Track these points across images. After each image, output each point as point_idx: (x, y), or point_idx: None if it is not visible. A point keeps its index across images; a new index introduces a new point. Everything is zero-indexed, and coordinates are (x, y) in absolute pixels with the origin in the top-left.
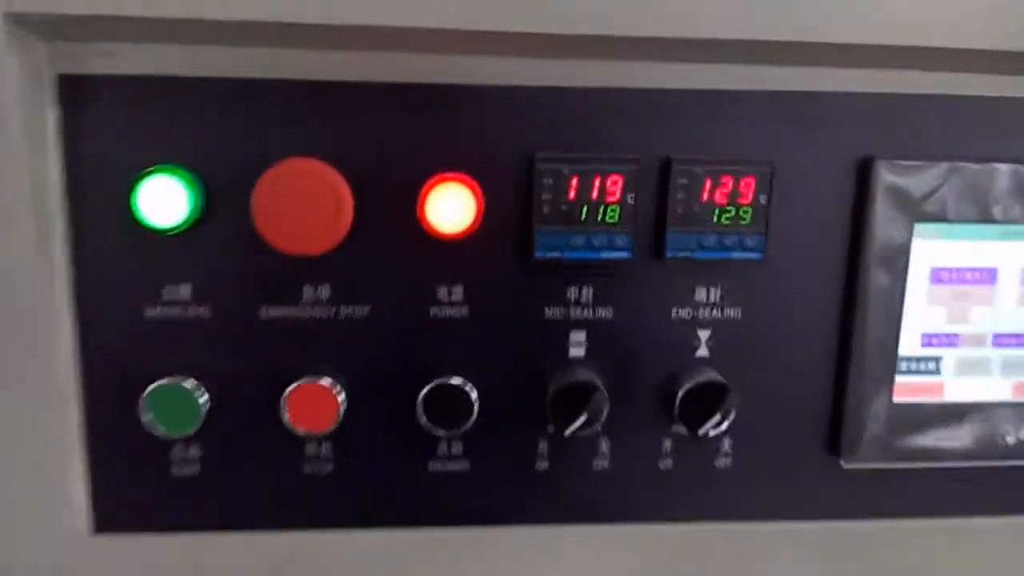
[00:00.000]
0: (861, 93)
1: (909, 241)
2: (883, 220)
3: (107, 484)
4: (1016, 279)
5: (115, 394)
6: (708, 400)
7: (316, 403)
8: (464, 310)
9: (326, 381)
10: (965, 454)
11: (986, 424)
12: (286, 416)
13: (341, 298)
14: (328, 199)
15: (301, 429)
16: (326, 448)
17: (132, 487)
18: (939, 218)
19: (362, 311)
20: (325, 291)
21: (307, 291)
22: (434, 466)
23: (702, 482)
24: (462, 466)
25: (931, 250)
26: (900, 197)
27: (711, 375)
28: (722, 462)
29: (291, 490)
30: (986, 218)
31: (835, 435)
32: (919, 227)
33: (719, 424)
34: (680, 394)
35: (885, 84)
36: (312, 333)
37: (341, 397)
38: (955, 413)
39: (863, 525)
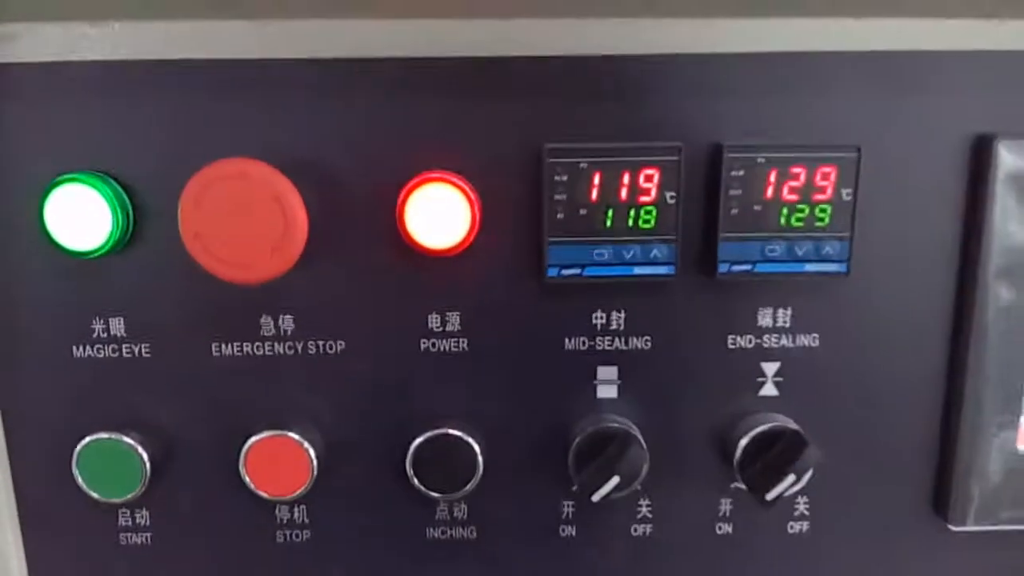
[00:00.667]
0: (975, 52)
1: None
2: (1006, 217)
3: (45, 555)
4: None
5: (45, 450)
6: (776, 450)
7: (282, 461)
8: (462, 343)
9: (294, 434)
10: None
11: None
12: (247, 478)
13: (308, 331)
14: (272, 211)
15: (264, 492)
16: (300, 513)
17: (74, 558)
18: None
19: (335, 346)
20: (288, 323)
21: (265, 323)
22: (432, 534)
23: (771, 551)
24: (466, 533)
25: None
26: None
27: (781, 421)
28: (797, 527)
29: (261, 562)
30: None
31: (942, 491)
32: None
33: (793, 485)
34: (742, 444)
35: (1008, 39)
36: (274, 374)
37: (312, 453)
38: None
39: None
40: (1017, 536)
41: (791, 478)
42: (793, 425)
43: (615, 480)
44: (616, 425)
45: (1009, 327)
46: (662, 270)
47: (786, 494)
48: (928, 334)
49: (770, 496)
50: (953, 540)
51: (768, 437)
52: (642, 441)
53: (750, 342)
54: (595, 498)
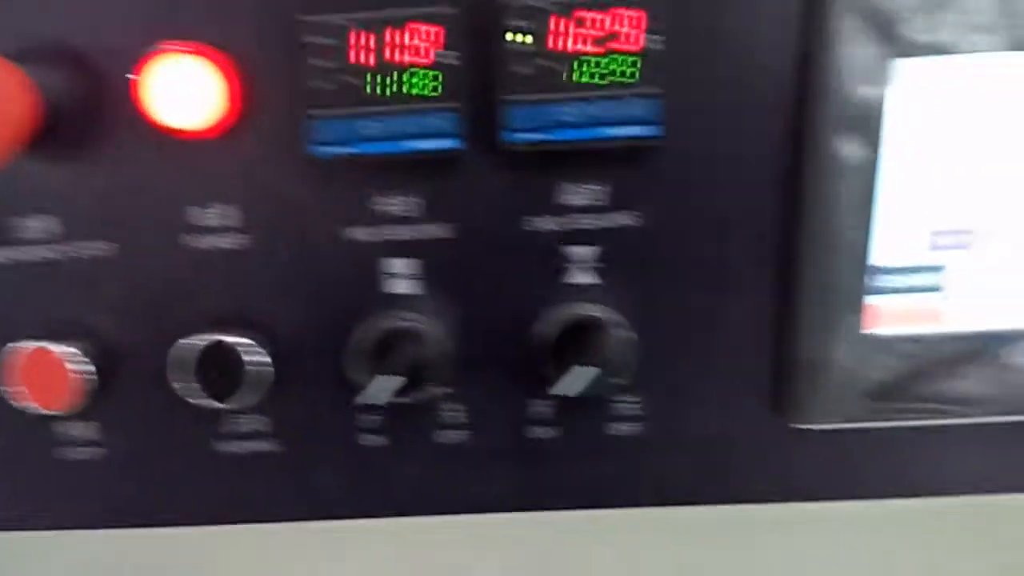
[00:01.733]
0: None
1: (884, 89)
2: (848, 58)
3: None
4: None
5: None
6: (573, 340)
7: (51, 374)
8: (232, 239)
9: (63, 346)
10: (976, 407)
11: (1011, 363)
12: (11, 390)
13: (74, 233)
14: None
15: (32, 405)
16: (82, 429)
17: None
18: (938, 49)
19: (103, 249)
20: (54, 224)
21: (30, 226)
22: (225, 447)
23: (592, 457)
24: (262, 446)
25: (926, 103)
26: (873, 18)
27: (584, 309)
28: (619, 428)
29: (40, 481)
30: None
31: (782, 386)
32: (903, 65)
33: (600, 379)
34: (544, 337)
35: None
36: (42, 280)
37: (83, 366)
38: (962, 349)
39: (825, 508)
40: (871, 434)
41: (584, 369)
42: (594, 312)
43: (401, 379)
44: (406, 324)
45: (852, 196)
46: (446, 144)
47: (578, 390)
48: (761, 204)
49: (556, 389)
50: (799, 440)
51: (571, 329)
52: (439, 337)
53: (558, 223)
54: (378, 399)
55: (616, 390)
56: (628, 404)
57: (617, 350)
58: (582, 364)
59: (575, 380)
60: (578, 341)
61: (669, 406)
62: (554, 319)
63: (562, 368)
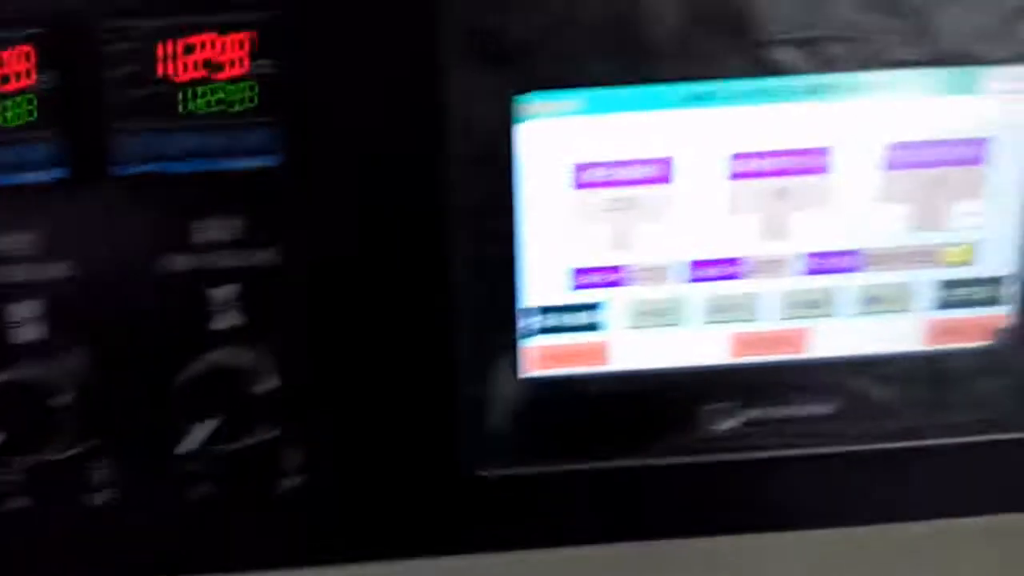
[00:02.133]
0: None
1: (510, 123)
2: (463, 90)
3: None
4: (708, 170)
5: None
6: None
7: None
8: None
9: None
10: (641, 449)
11: (684, 401)
12: None
13: None
14: None
15: None
16: None
17: None
18: (553, 82)
19: None
20: None
21: None
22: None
23: (255, 515)
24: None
25: (557, 137)
26: (485, 48)
27: (218, 357)
28: (284, 483)
29: None
30: (648, 76)
31: (449, 433)
32: (523, 103)
33: (225, 432)
34: (175, 390)
35: None
36: None
37: None
38: (625, 389)
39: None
40: (542, 480)
41: (207, 424)
42: (225, 359)
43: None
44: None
45: (494, 234)
46: (43, 176)
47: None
48: (407, 241)
49: (182, 448)
50: (475, 488)
51: (204, 380)
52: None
53: (192, 262)
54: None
55: (265, 443)
56: (290, 456)
57: (248, 400)
58: (202, 418)
59: (196, 435)
60: (209, 392)
61: (334, 457)
62: (189, 369)
63: (189, 421)
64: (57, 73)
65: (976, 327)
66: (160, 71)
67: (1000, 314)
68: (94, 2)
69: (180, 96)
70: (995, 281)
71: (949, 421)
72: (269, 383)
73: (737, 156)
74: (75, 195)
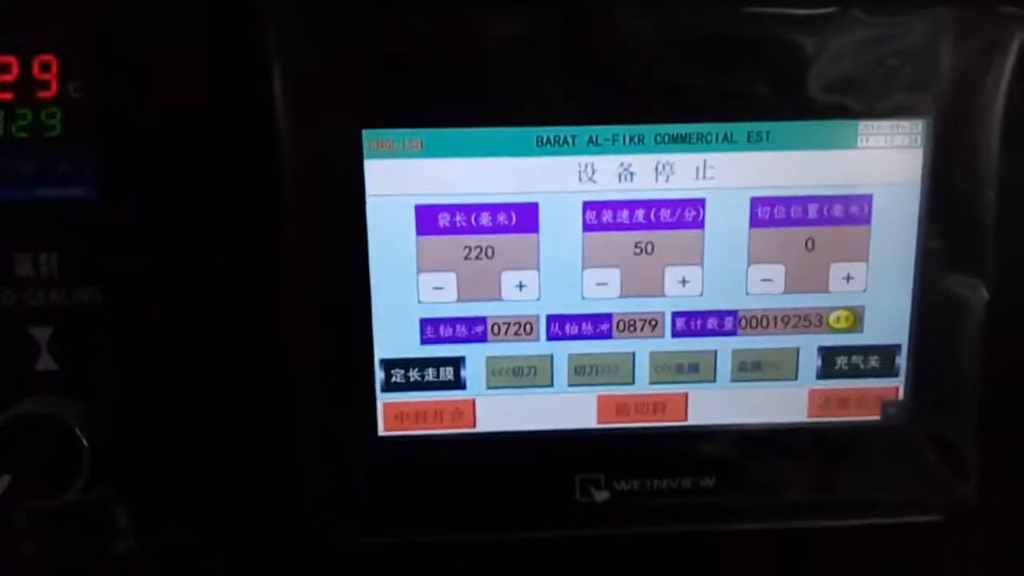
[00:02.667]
0: None
1: (359, 161)
2: (303, 117)
3: None
4: (570, 216)
5: None
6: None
7: None
8: None
9: None
10: (503, 521)
11: (553, 465)
12: None
13: None
14: None
15: None
16: None
17: None
18: (400, 119)
19: None
20: None
21: None
22: None
23: None
24: None
25: (398, 176)
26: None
27: (25, 406)
28: (114, 545)
29: None
30: (500, 120)
31: (298, 497)
32: (372, 137)
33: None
34: None
35: None
36: None
37: None
38: (491, 451)
39: None
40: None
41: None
42: (26, 409)
43: None
44: None
45: (333, 276)
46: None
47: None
48: (247, 283)
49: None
50: (326, 559)
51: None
52: None
53: (11, 298)
54: None
55: (91, 501)
56: (118, 517)
57: (70, 453)
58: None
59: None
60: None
61: (162, 518)
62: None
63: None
64: None
65: (862, 399)
66: None
67: (889, 386)
68: None
69: None
70: (883, 350)
71: (834, 500)
72: (91, 435)
73: (589, 205)
74: None
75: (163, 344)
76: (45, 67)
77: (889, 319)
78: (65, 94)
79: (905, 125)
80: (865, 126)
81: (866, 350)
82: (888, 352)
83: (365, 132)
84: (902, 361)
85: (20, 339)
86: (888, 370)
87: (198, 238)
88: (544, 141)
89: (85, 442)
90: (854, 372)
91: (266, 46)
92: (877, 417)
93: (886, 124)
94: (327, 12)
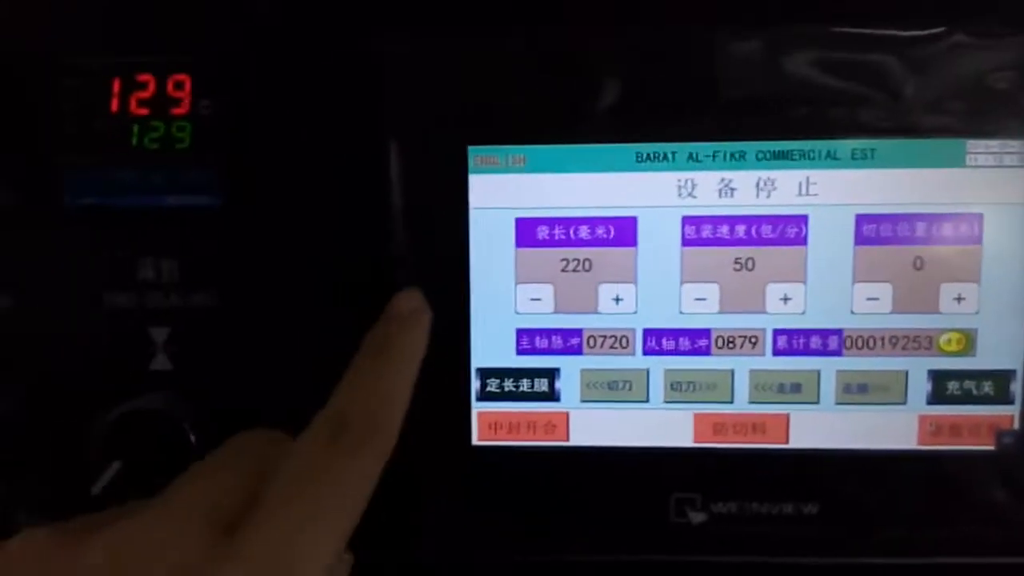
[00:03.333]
0: None
1: (463, 177)
2: (410, 135)
3: None
4: (669, 230)
5: None
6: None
7: None
8: None
9: None
10: (593, 539)
11: (647, 482)
12: None
13: None
14: None
15: None
16: None
17: None
18: (503, 137)
19: None
20: None
21: None
22: None
23: None
24: None
25: (500, 190)
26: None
27: (143, 401)
28: None
29: None
30: (592, 135)
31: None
32: (477, 153)
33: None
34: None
35: None
36: None
37: None
38: (584, 465)
39: None
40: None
41: (112, 465)
42: (143, 404)
43: None
44: None
45: (442, 281)
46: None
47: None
48: (356, 292)
49: (96, 488)
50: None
51: (135, 422)
52: None
53: (132, 300)
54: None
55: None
56: None
57: (156, 446)
58: (112, 459)
59: (104, 476)
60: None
61: None
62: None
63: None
64: None
65: (976, 427)
66: (114, 107)
67: (1004, 414)
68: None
69: (129, 132)
70: (997, 375)
71: (944, 535)
72: (199, 433)
73: (688, 220)
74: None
75: (273, 348)
76: (179, 86)
77: (1003, 343)
78: (196, 111)
79: (1014, 144)
80: (973, 145)
81: (979, 375)
82: (1003, 377)
83: (471, 149)
84: (1018, 388)
85: (139, 339)
86: (1003, 397)
87: (310, 246)
88: (644, 157)
89: (193, 439)
90: (967, 398)
91: (381, 71)
92: (991, 447)
93: (994, 143)
94: (435, 37)
